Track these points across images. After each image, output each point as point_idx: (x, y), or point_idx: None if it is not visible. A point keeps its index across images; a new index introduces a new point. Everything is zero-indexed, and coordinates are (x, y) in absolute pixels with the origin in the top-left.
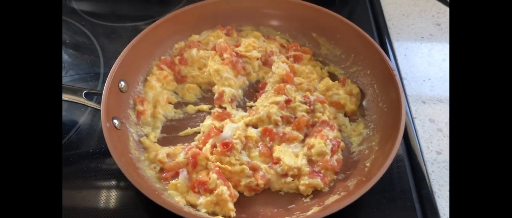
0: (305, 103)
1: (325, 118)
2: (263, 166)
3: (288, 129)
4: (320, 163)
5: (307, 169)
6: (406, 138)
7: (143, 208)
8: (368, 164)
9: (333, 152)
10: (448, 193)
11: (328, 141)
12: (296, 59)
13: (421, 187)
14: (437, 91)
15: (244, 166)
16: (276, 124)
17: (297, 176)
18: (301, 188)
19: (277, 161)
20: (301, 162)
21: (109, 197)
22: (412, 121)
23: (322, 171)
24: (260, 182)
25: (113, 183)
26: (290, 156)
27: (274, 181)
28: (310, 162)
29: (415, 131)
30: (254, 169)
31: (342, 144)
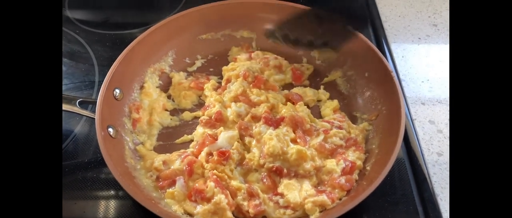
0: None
1: (352, 135)
2: (263, 195)
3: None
4: (327, 181)
5: (311, 199)
6: (406, 140)
7: None
8: (368, 168)
9: (344, 172)
10: None
11: (341, 161)
12: (296, 101)
13: (423, 190)
14: (436, 92)
15: (242, 185)
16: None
17: (300, 205)
18: (307, 205)
19: (281, 195)
20: (307, 193)
21: (107, 208)
22: (412, 122)
23: (328, 189)
24: (251, 211)
25: (111, 193)
26: (296, 191)
27: (271, 211)
28: (320, 182)
29: (415, 133)
30: (251, 195)
31: (358, 163)
